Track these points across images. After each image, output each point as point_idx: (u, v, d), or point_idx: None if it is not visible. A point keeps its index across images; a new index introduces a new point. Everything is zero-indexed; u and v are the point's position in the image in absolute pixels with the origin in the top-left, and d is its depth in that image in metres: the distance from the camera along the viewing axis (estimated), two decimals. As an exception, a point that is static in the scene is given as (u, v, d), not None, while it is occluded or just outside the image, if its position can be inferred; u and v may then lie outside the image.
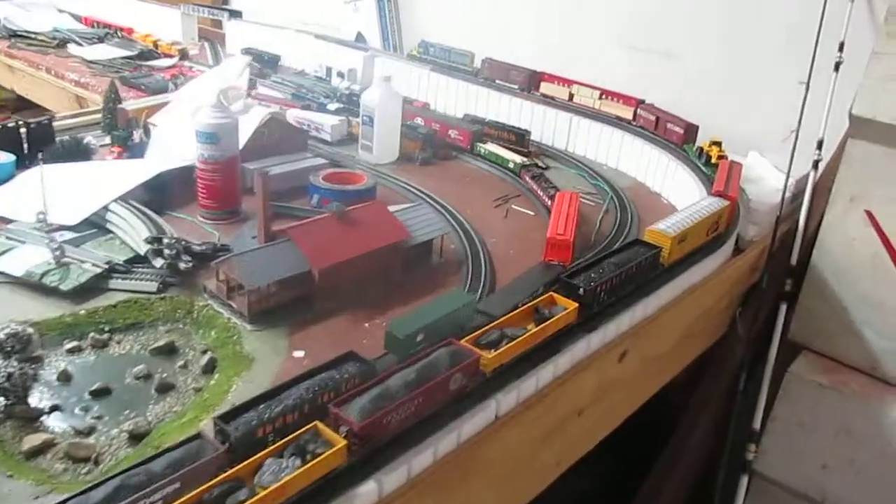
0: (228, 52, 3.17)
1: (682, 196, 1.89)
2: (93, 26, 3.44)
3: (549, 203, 1.77)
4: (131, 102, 2.05)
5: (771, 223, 1.71)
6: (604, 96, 2.26)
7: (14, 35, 3.27)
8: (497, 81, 2.45)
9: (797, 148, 1.79)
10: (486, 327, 1.05)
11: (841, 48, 1.83)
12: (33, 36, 3.24)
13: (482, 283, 1.44)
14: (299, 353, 1.21)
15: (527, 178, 1.94)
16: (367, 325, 1.30)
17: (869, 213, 1.56)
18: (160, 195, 1.71)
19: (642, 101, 2.19)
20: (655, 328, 1.33)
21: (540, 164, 2.14)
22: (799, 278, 1.70)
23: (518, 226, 1.75)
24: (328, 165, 1.86)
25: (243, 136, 1.80)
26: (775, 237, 1.67)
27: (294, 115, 2.24)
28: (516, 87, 2.41)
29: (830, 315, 1.65)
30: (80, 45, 3.11)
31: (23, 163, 1.82)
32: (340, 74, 2.71)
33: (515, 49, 2.57)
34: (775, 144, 1.97)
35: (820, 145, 1.78)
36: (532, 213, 1.82)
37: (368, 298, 1.37)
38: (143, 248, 1.40)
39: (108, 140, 1.99)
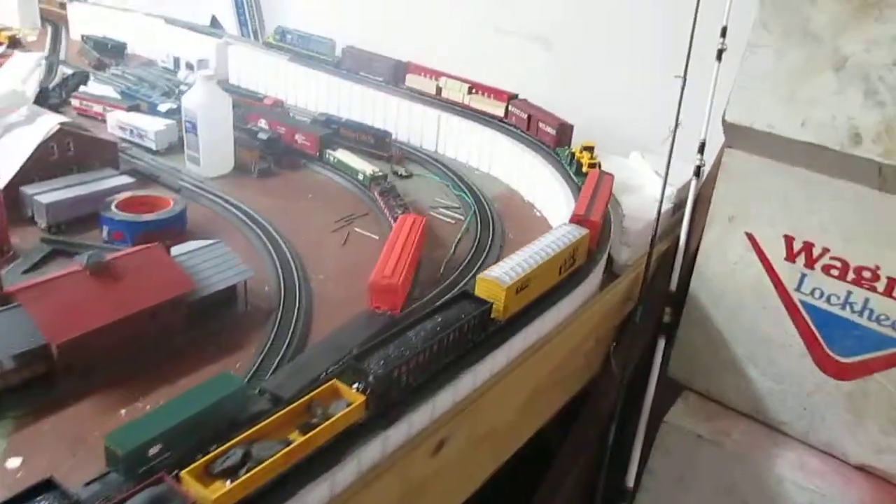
0: (72, 37, 2.80)
1: (555, 209, 1.66)
2: (-82, 10, 3.00)
3: (392, 223, 1.51)
4: None
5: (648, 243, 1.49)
6: (474, 90, 2.00)
7: None
8: (360, 73, 2.17)
9: (678, 151, 1.56)
10: (226, 445, 0.78)
11: (724, 33, 1.59)
12: None
13: (287, 342, 1.17)
14: (14, 462, 0.92)
15: (376, 193, 1.67)
16: (123, 411, 1.02)
17: (750, 236, 1.34)
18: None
19: (515, 97, 1.94)
20: (489, 400, 1.08)
21: (400, 171, 1.87)
22: (679, 307, 1.48)
23: (357, 255, 1.49)
24: (132, 186, 1.56)
25: (24, 152, 1.50)
26: (650, 261, 1.45)
27: (116, 119, 1.92)
28: (380, 79, 2.13)
29: (711, 350, 1.44)
30: None
31: None
32: (189, 66, 2.39)
33: (380, 35, 2.29)
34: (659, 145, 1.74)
35: (702, 149, 1.55)
36: (377, 238, 1.55)
37: (136, 372, 1.09)
38: None
39: None
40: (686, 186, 1.60)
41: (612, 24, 2.01)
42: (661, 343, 1.48)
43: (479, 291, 1.08)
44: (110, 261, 1.11)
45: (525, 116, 1.86)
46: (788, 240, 1.31)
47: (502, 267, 1.11)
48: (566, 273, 1.24)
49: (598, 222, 1.31)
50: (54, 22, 2.95)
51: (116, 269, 1.11)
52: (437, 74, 2.06)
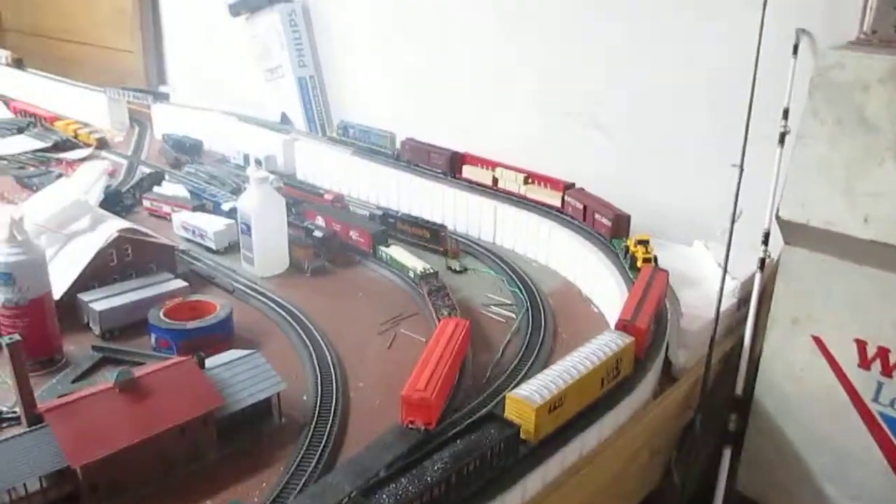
0: (156, 136, 2.94)
1: (612, 306, 1.58)
2: (22, 115, 3.24)
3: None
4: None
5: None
6: (530, 180, 1.96)
7: (-70, 130, 3.08)
8: (418, 165, 2.17)
9: (745, 240, 1.47)
10: None
11: (785, 115, 1.51)
12: (-51, 130, 3.04)
13: (316, 461, 1.13)
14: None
15: (425, 292, 1.64)
16: (148, 536, 1.01)
17: (817, 340, 1.23)
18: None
19: (571, 186, 1.89)
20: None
21: (455, 266, 1.84)
22: (745, 413, 1.37)
23: (400, 359, 1.45)
24: (185, 290, 1.58)
25: (83, 261, 1.55)
26: (710, 363, 1.35)
27: (181, 220, 1.98)
28: (438, 170, 2.13)
29: (783, 463, 1.31)
30: (-6, 137, 2.90)
31: None
32: (258, 162, 2.46)
33: (437, 126, 2.30)
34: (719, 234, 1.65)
35: (766, 240, 1.46)
36: (423, 340, 1.51)
37: (165, 491, 1.07)
38: None
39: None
40: (751, 280, 1.50)
41: (671, 108, 1.95)
42: (727, 453, 1.36)
43: (509, 411, 1.02)
44: (140, 378, 1.11)
45: (581, 207, 1.81)
46: (860, 345, 1.19)
47: (535, 383, 1.04)
48: (610, 385, 1.16)
49: (645, 329, 1.23)
50: (141, 121, 3.12)
51: (146, 385, 1.11)
52: (493, 165, 2.04)
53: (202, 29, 3.24)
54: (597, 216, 1.76)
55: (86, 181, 1.72)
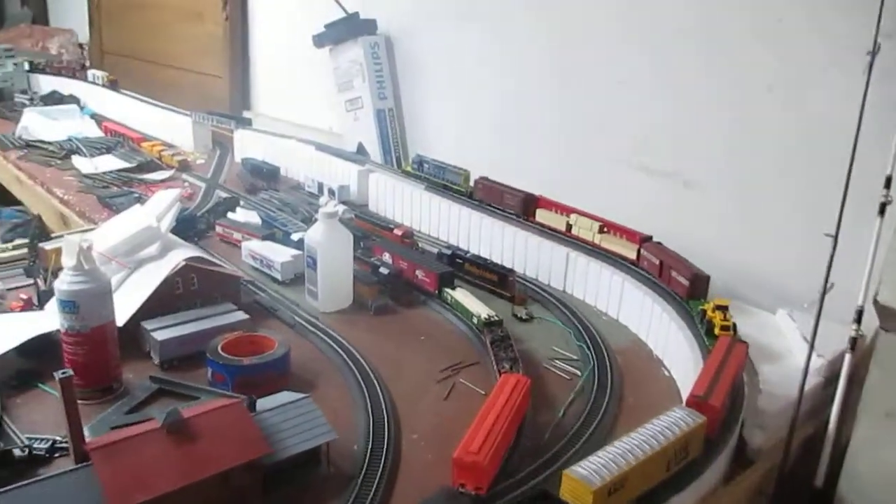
0: (236, 160, 3.00)
1: (684, 372, 1.50)
2: (112, 134, 3.36)
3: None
4: (54, 240, 1.84)
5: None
6: (605, 229, 1.89)
7: (28, 145, 3.22)
8: (491, 205, 2.13)
9: (836, 313, 1.36)
10: None
11: (888, 184, 1.40)
12: (45, 146, 3.17)
13: (360, 520, 1.08)
14: None
15: (487, 341, 1.58)
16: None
17: (915, 435, 1.12)
18: (37, 362, 1.46)
19: (648, 238, 1.81)
20: None
21: (521, 313, 1.78)
22: (827, 504, 1.25)
23: (457, 412, 1.39)
24: (246, 323, 1.57)
25: (149, 288, 1.55)
26: (790, 448, 1.24)
27: (249, 249, 1.98)
28: (511, 212, 2.08)
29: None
30: (84, 156, 3.00)
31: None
32: (331, 192, 2.47)
33: (513, 167, 2.25)
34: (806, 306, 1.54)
35: (859, 317, 1.34)
36: (482, 393, 1.45)
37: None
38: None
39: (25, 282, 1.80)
40: (840, 359, 1.38)
41: (761, 164, 1.85)
42: (806, 549, 1.25)
43: (564, 491, 0.95)
44: (188, 419, 1.08)
45: (657, 262, 1.73)
46: (965, 444, 1.08)
47: (594, 461, 0.97)
48: (677, 467, 1.08)
49: (719, 407, 1.14)
50: (223, 144, 3.18)
51: (193, 427, 1.08)
52: (567, 210, 1.97)
53: (287, 58, 3.30)
54: (673, 274, 1.67)
55: (159, 208, 1.74)
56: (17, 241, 2.15)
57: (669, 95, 1.98)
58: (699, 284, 1.62)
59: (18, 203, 4.20)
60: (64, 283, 1.31)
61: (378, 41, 2.60)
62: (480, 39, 2.42)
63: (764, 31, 1.78)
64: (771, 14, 1.76)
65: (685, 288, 1.63)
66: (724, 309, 1.47)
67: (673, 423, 1.07)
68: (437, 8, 2.50)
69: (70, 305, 1.31)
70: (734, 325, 1.44)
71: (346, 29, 2.62)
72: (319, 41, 2.70)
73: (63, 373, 1.04)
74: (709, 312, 1.48)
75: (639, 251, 1.80)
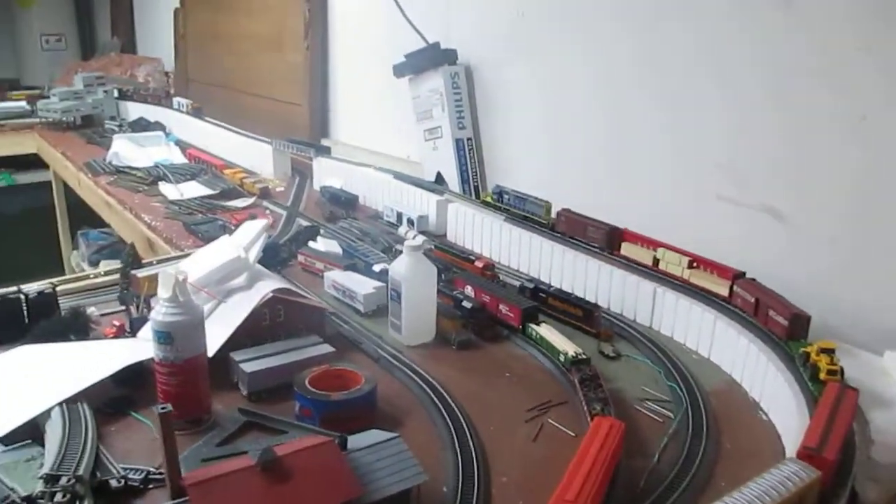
0: (315, 188, 3.04)
1: (784, 415, 1.43)
2: (195, 161, 3.45)
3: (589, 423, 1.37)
4: (146, 267, 1.88)
5: (904, 478, 1.20)
6: (695, 264, 1.83)
7: (118, 171, 3.33)
8: (573, 238, 2.09)
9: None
10: None
11: None
12: (134, 172, 3.27)
13: (452, 568, 1.05)
14: None
15: (576, 380, 1.54)
16: None
17: None
18: (131, 388, 1.49)
19: (741, 275, 1.74)
20: None
21: (608, 351, 1.73)
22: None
23: (547, 454, 1.36)
24: (331, 357, 1.57)
25: (237, 319, 1.57)
26: (907, 505, 1.17)
27: (332, 279, 1.99)
28: (594, 245, 2.03)
29: None
30: (170, 182, 3.09)
31: (21, 336, 1.68)
32: (410, 222, 2.47)
33: (596, 199, 2.21)
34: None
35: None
36: (573, 435, 1.41)
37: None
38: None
39: (120, 308, 1.85)
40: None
41: (863, 193, 1.77)
42: None
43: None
44: (281, 458, 1.08)
45: (752, 300, 1.66)
46: None
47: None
48: (790, 525, 1.01)
49: (834, 461, 1.08)
50: (301, 171, 3.23)
51: (286, 466, 1.08)
52: (654, 244, 1.92)
53: (366, 87, 3.34)
54: (770, 313, 1.61)
55: (246, 238, 1.76)
56: (108, 267, 2.21)
57: (759, 125, 1.91)
58: (799, 324, 1.55)
59: (105, 225, 4.37)
60: (159, 314, 1.33)
61: (458, 71, 2.61)
62: (561, 70, 2.40)
63: (861, 54, 1.71)
64: (874, 36, 1.68)
65: (784, 328, 1.56)
66: (830, 352, 1.39)
67: (786, 478, 1.01)
68: (517, 38, 2.49)
69: (165, 336, 1.33)
70: (842, 369, 1.36)
71: (427, 59, 2.63)
72: (400, 71, 2.72)
73: (163, 407, 1.05)
74: (813, 355, 1.41)
75: (731, 287, 1.73)
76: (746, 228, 1.93)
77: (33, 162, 4.91)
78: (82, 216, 4.82)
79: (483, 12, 2.62)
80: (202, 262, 1.69)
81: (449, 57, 2.63)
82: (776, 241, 1.88)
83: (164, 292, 1.33)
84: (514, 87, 2.54)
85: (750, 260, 1.79)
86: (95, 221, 4.56)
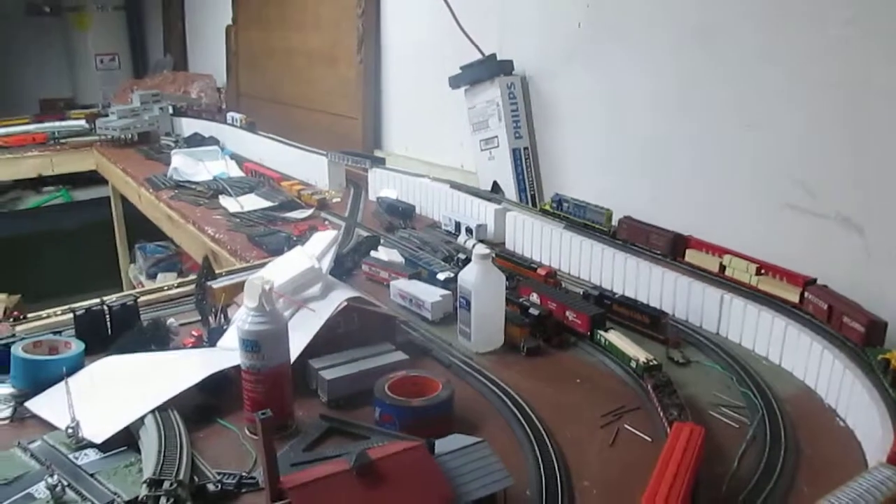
0: (370, 198, 3.09)
1: (865, 422, 1.42)
2: (252, 174, 3.53)
3: (668, 429, 1.38)
4: (220, 279, 1.93)
5: None
6: (763, 271, 1.83)
7: (178, 185, 3.42)
8: (636, 245, 2.10)
9: None
10: None
11: None
12: (193, 186, 3.36)
13: (544, 570, 1.07)
14: None
15: (649, 386, 1.55)
16: None
17: None
18: (216, 395, 1.54)
19: (812, 281, 1.74)
20: None
21: (677, 357, 1.74)
22: None
23: (626, 460, 1.37)
24: (405, 364, 1.60)
25: (314, 327, 1.61)
26: None
27: (398, 288, 2.02)
28: (657, 252, 2.04)
29: None
30: (230, 195, 3.16)
31: (105, 347, 1.74)
32: (469, 231, 2.50)
33: (659, 206, 2.21)
34: None
35: None
36: (650, 440, 1.43)
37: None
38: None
39: (195, 318, 1.91)
40: None
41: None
42: None
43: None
44: (376, 461, 1.11)
45: (825, 307, 1.65)
46: None
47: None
48: (886, 531, 1.02)
49: (927, 465, 1.07)
50: (356, 182, 3.28)
51: (381, 470, 1.11)
52: (720, 251, 1.92)
53: (418, 98, 3.39)
54: (845, 319, 1.60)
55: (318, 249, 1.80)
56: (182, 279, 2.28)
57: (831, 134, 1.89)
58: (876, 331, 1.54)
59: (162, 238, 4.48)
60: (247, 323, 1.37)
61: (514, 81, 2.63)
62: (620, 79, 2.41)
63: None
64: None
65: (860, 334, 1.55)
66: (910, 359, 1.39)
67: (880, 482, 1.02)
68: (575, 48, 2.51)
69: (252, 345, 1.37)
70: (923, 375, 1.36)
71: (483, 70, 2.66)
72: (456, 82, 2.76)
73: (262, 413, 1.09)
74: (894, 362, 1.40)
75: (802, 294, 1.73)
76: (817, 237, 1.92)
77: (90, 178, 5.05)
78: (139, 230, 4.95)
79: (540, 23, 2.64)
80: (277, 272, 1.74)
81: (505, 68, 2.66)
82: (843, 248, 1.86)
83: (250, 302, 1.38)
84: (571, 97, 2.56)
85: (820, 271, 1.78)
86: (152, 235, 4.69)
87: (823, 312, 1.66)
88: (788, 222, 1.98)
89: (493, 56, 2.69)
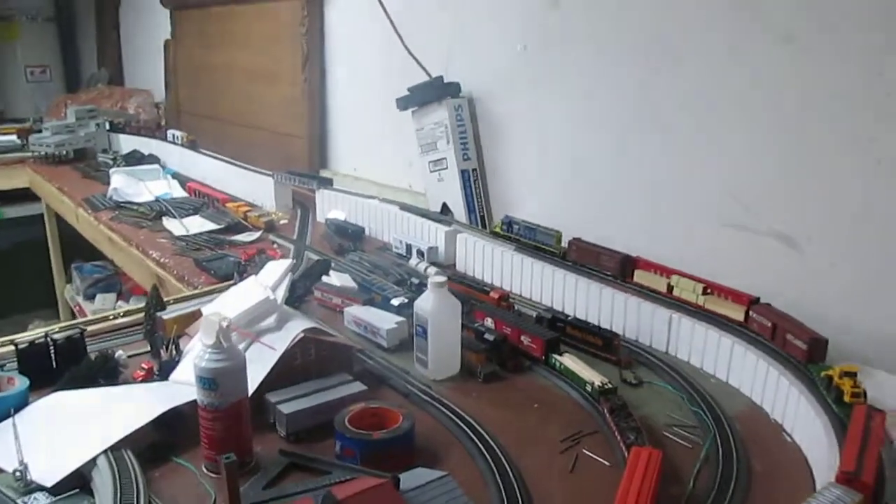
0: (318, 219, 3.06)
1: (810, 437, 1.48)
2: (195, 195, 3.47)
3: (626, 453, 1.41)
4: (170, 309, 1.90)
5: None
6: (709, 290, 1.88)
7: (119, 206, 3.34)
8: (586, 266, 2.14)
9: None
10: None
11: None
12: (135, 207, 3.28)
13: None
14: None
15: (605, 410, 1.58)
16: None
17: None
18: (171, 432, 1.51)
19: (756, 300, 1.80)
20: None
21: (629, 378, 1.78)
22: None
23: (587, 486, 1.39)
24: (364, 395, 1.60)
25: (270, 360, 1.59)
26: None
27: (352, 315, 2.01)
28: (607, 273, 2.08)
29: None
30: (174, 217, 3.10)
31: (50, 382, 1.69)
32: (420, 253, 2.50)
33: (607, 228, 2.26)
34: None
35: None
36: (608, 464, 1.45)
37: None
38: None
39: (144, 349, 1.87)
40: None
41: (868, 214, 1.83)
42: None
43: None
44: (342, 501, 1.11)
45: (769, 325, 1.71)
46: None
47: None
48: (837, 552, 1.06)
49: (872, 484, 1.12)
50: (302, 203, 3.25)
51: (348, 510, 1.10)
52: (668, 272, 1.97)
53: (364, 118, 3.39)
54: (788, 337, 1.66)
55: (272, 278, 1.79)
56: (127, 307, 2.23)
57: (764, 153, 1.97)
58: (818, 348, 1.61)
59: (99, 258, 4.36)
60: (203, 360, 1.35)
61: (462, 103, 2.66)
62: (564, 101, 2.46)
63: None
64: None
65: (803, 352, 1.61)
66: (852, 375, 1.45)
67: (832, 502, 1.06)
68: (520, 71, 2.55)
69: (209, 383, 1.35)
70: (864, 391, 1.42)
71: (431, 92, 2.68)
72: (403, 104, 2.77)
73: (227, 458, 1.08)
74: (836, 379, 1.46)
75: (747, 312, 1.79)
76: (756, 254, 1.99)
77: (22, 195, 4.88)
78: (75, 249, 4.81)
79: (485, 45, 2.68)
80: (231, 303, 1.72)
81: (452, 90, 2.68)
82: (785, 267, 1.94)
83: (207, 339, 1.36)
84: (517, 118, 2.60)
85: (761, 288, 1.85)
86: (89, 254, 4.56)
87: (768, 330, 1.72)
88: (731, 240, 2.05)
89: (441, 78, 2.71)
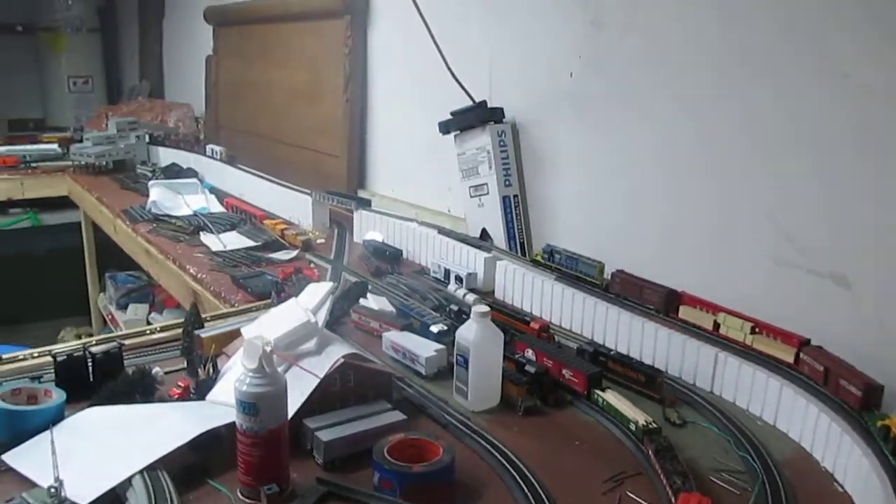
0: (356, 240, 3.05)
1: (864, 488, 1.42)
2: (233, 210, 3.48)
3: (672, 499, 1.36)
4: (208, 327, 1.89)
5: None
6: (757, 330, 1.83)
7: (157, 218, 3.36)
8: (629, 300, 2.10)
9: None
10: None
11: None
12: (173, 221, 3.30)
13: None
14: None
15: (649, 451, 1.54)
16: None
17: None
18: (206, 454, 1.49)
19: (807, 342, 1.75)
20: None
21: (673, 418, 1.73)
22: None
23: (631, 530, 1.35)
24: (403, 424, 1.57)
25: (310, 386, 1.57)
26: None
27: (390, 340, 1.99)
28: (651, 308, 2.04)
29: None
30: (211, 232, 3.11)
31: (86, 396, 1.68)
32: (458, 279, 2.48)
33: (652, 261, 2.22)
34: None
35: None
36: (652, 508, 1.41)
37: None
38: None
39: (180, 366, 1.86)
40: None
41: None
42: None
43: None
44: (384, 539, 1.08)
45: (821, 368, 1.66)
46: None
47: None
48: None
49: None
50: (339, 222, 3.25)
51: (390, 548, 1.07)
52: (715, 308, 1.93)
53: (404, 140, 3.38)
54: (841, 382, 1.61)
55: (313, 301, 1.77)
56: (164, 322, 2.22)
57: (824, 189, 1.91)
58: (873, 395, 1.55)
59: (133, 268, 4.39)
60: (245, 384, 1.34)
61: (505, 129, 2.64)
62: (612, 129, 2.42)
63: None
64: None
65: (857, 398, 1.56)
66: (912, 428, 1.39)
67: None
68: (567, 97, 2.53)
69: (250, 408, 1.33)
70: (925, 446, 1.36)
71: (474, 116, 2.66)
72: (445, 127, 2.76)
73: (269, 488, 1.06)
74: (894, 430, 1.41)
75: (797, 354, 1.74)
76: (808, 294, 1.93)
77: (60, 203, 4.95)
78: (110, 258, 4.86)
79: (531, 71, 2.66)
80: (271, 325, 1.70)
81: (496, 115, 2.66)
82: (841, 310, 1.88)
83: (249, 363, 1.34)
84: (562, 146, 2.57)
85: (813, 329, 1.79)
86: (123, 264, 4.60)
87: (819, 374, 1.66)
88: (781, 279, 1.99)
89: (484, 103, 2.69)
